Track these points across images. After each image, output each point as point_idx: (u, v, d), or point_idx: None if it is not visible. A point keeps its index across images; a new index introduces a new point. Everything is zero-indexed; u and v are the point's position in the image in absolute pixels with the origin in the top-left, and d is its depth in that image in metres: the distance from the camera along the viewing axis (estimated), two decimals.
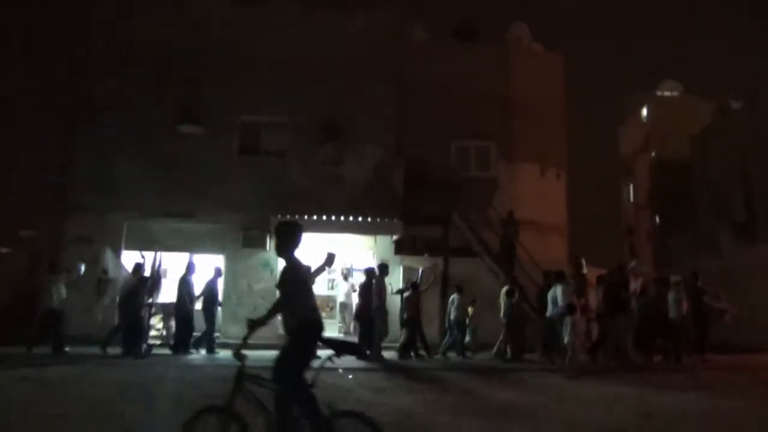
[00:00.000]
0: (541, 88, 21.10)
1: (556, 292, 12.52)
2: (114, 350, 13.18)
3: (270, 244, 17.52)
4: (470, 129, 20.24)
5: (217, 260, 17.40)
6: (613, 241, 39.40)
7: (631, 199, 37.86)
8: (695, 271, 15.16)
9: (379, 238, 17.94)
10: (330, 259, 12.52)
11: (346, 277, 17.32)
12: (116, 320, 14.26)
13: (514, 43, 22.08)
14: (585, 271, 13.92)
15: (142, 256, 14.33)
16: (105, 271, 14.59)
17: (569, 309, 12.26)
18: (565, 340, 12.09)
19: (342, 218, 16.90)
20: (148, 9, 18.19)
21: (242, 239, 17.30)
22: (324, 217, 16.82)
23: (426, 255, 17.97)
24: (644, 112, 36.47)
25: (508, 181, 20.24)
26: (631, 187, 37.90)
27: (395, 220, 17.21)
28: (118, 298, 14.14)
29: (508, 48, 21.71)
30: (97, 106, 17.59)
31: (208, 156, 17.58)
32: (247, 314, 16.07)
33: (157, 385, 9.51)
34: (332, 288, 17.48)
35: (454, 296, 15.18)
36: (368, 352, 13.31)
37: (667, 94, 36.25)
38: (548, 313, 13.10)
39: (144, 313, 13.42)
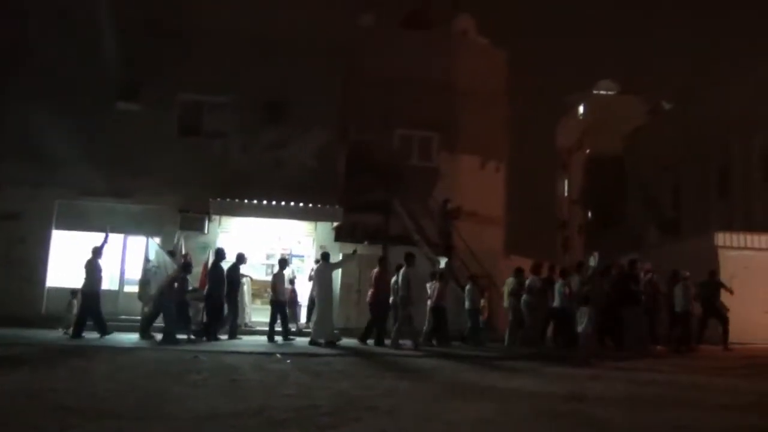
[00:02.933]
0: (485, 82, 21.40)
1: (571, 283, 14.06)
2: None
3: (208, 227, 17.27)
4: (414, 118, 20.36)
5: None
6: (547, 234, 40.47)
7: (566, 193, 38.94)
8: (713, 269, 15.93)
9: (320, 224, 17.90)
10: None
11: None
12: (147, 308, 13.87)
13: (460, 35, 22.31)
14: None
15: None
16: (148, 260, 13.95)
17: (585, 300, 13.41)
18: (580, 328, 13.06)
19: (283, 203, 16.76)
20: None
21: (180, 221, 16.92)
22: (264, 202, 16.66)
23: (366, 243, 18.06)
24: (581, 109, 37.52)
25: (450, 172, 20.51)
26: (566, 182, 38.97)
27: (336, 206, 17.18)
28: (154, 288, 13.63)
29: (455, 39, 21.92)
30: (28, 75, 16.82)
31: (147, 134, 17.04)
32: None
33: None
34: (270, 274, 17.29)
35: (468, 286, 15.31)
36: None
37: (603, 93, 37.37)
38: (556, 304, 14.46)
39: (189, 299, 13.80)
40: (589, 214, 35.32)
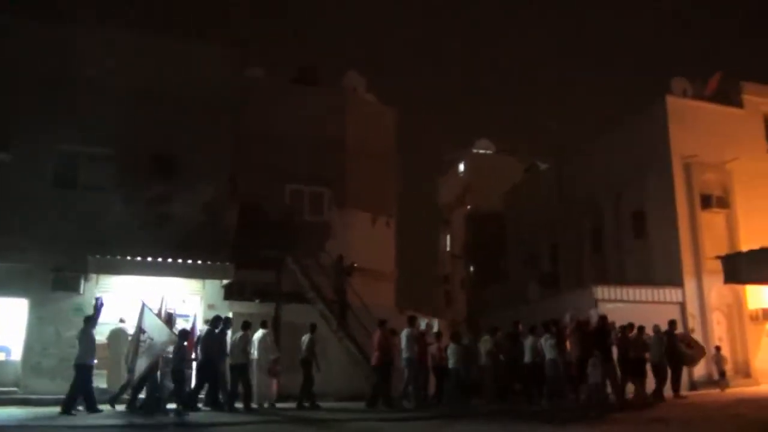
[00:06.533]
0: (374, 138, 21.72)
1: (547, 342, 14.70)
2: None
3: (84, 286, 15.94)
4: (304, 173, 20.25)
5: (20, 304, 15.55)
6: (432, 289, 41.05)
7: (448, 248, 39.82)
8: (672, 320, 17.07)
9: (208, 282, 17.00)
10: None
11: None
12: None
13: (350, 91, 22.57)
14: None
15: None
16: (143, 331, 12.71)
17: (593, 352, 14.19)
18: (591, 381, 13.94)
19: (169, 260, 15.80)
20: None
21: (53, 281, 15.51)
22: (149, 259, 15.62)
23: (257, 301, 17.42)
24: (461, 167, 38.84)
25: (341, 228, 20.39)
26: (448, 237, 39.91)
27: (227, 263, 16.44)
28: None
29: (344, 95, 22.12)
30: None
31: (17, 186, 15.68)
32: (54, 365, 14.53)
33: None
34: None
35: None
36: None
37: (481, 151, 38.96)
38: (527, 360, 15.05)
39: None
40: (471, 269, 36.20)
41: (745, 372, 19.77)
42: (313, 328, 15.18)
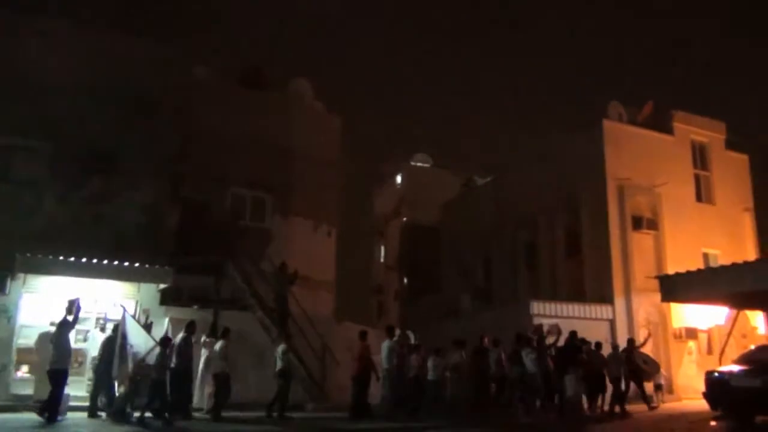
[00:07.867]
0: (319, 146, 21.51)
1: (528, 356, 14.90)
2: None
3: (10, 286, 15.06)
4: (248, 178, 19.86)
5: None
6: (366, 299, 40.88)
7: (382, 259, 39.83)
8: (631, 338, 17.89)
9: (144, 285, 16.38)
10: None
11: (103, 329, 15.32)
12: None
13: (297, 98, 22.33)
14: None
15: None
16: (124, 336, 12.36)
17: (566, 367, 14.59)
18: (568, 393, 14.39)
19: (104, 262, 15.11)
20: None
21: None
22: (83, 260, 14.89)
23: (195, 307, 16.91)
24: (398, 178, 38.97)
25: (283, 235, 20.09)
26: (383, 248, 39.93)
27: (165, 267, 15.87)
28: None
29: (291, 101, 21.87)
30: None
31: None
32: None
33: None
34: (85, 340, 15.35)
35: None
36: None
37: (419, 164, 39.20)
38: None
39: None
40: (405, 281, 36.31)
41: (668, 388, 20.61)
42: (287, 338, 14.91)
